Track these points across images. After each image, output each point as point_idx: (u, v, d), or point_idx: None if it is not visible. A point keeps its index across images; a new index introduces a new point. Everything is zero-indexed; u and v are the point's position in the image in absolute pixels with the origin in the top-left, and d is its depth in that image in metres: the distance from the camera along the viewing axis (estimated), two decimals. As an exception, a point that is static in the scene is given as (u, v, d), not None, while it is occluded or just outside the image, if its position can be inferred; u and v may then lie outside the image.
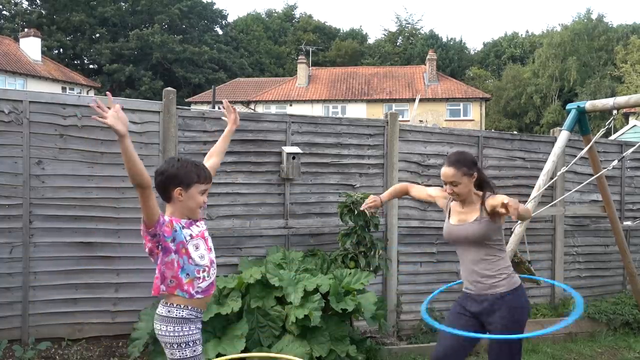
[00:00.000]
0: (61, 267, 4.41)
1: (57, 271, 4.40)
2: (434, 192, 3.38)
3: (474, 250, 3.06)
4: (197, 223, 2.63)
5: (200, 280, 2.56)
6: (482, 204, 3.04)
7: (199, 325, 2.60)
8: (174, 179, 2.50)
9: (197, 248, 2.57)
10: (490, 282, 3.01)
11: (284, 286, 4.15)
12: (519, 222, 4.72)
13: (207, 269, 2.60)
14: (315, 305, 3.98)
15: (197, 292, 2.55)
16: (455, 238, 3.14)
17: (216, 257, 4.80)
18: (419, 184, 5.57)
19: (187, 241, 2.52)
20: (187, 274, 2.52)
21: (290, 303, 4.04)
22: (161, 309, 2.55)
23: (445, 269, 5.65)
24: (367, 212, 4.56)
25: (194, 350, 2.53)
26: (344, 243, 4.73)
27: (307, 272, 4.42)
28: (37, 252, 4.34)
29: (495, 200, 2.94)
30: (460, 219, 3.11)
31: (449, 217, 3.22)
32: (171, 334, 2.51)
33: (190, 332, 2.53)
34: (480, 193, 3.10)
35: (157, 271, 2.53)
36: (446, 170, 3.05)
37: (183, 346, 2.51)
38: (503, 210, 2.74)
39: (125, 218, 4.56)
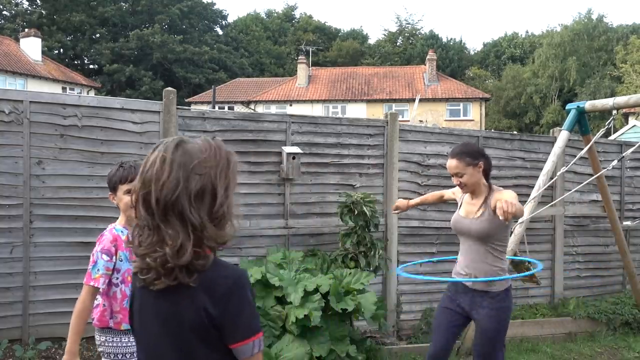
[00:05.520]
0: (61, 267, 4.41)
1: (57, 271, 4.40)
2: (455, 189, 3.46)
3: (475, 245, 3.11)
4: None
5: None
6: (487, 197, 3.09)
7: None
8: (108, 185, 2.52)
9: None
10: (485, 280, 3.07)
11: (284, 286, 4.15)
12: (518, 221, 4.73)
13: None
14: (315, 305, 3.98)
15: None
16: (459, 229, 3.21)
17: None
18: (418, 184, 5.59)
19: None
20: None
21: (290, 303, 4.03)
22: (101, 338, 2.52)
23: (445, 268, 5.64)
24: (366, 212, 4.59)
25: None
26: (344, 243, 4.73)
27: (307, 272, 4.42)
28: (37, 252, 4.35)
29: (502, 194, 2.98)
30: (468, 210, 3.18)
31: (459, 207, 3.28)
32: (110, 344, 2.48)
33: (130, 344, 2.49)
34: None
35: (103, 302, 2.48)
36: (450, 162, 3.14)
37: (120, 357, 2.47)
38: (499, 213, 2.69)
39: (125, 218, 4.56)
